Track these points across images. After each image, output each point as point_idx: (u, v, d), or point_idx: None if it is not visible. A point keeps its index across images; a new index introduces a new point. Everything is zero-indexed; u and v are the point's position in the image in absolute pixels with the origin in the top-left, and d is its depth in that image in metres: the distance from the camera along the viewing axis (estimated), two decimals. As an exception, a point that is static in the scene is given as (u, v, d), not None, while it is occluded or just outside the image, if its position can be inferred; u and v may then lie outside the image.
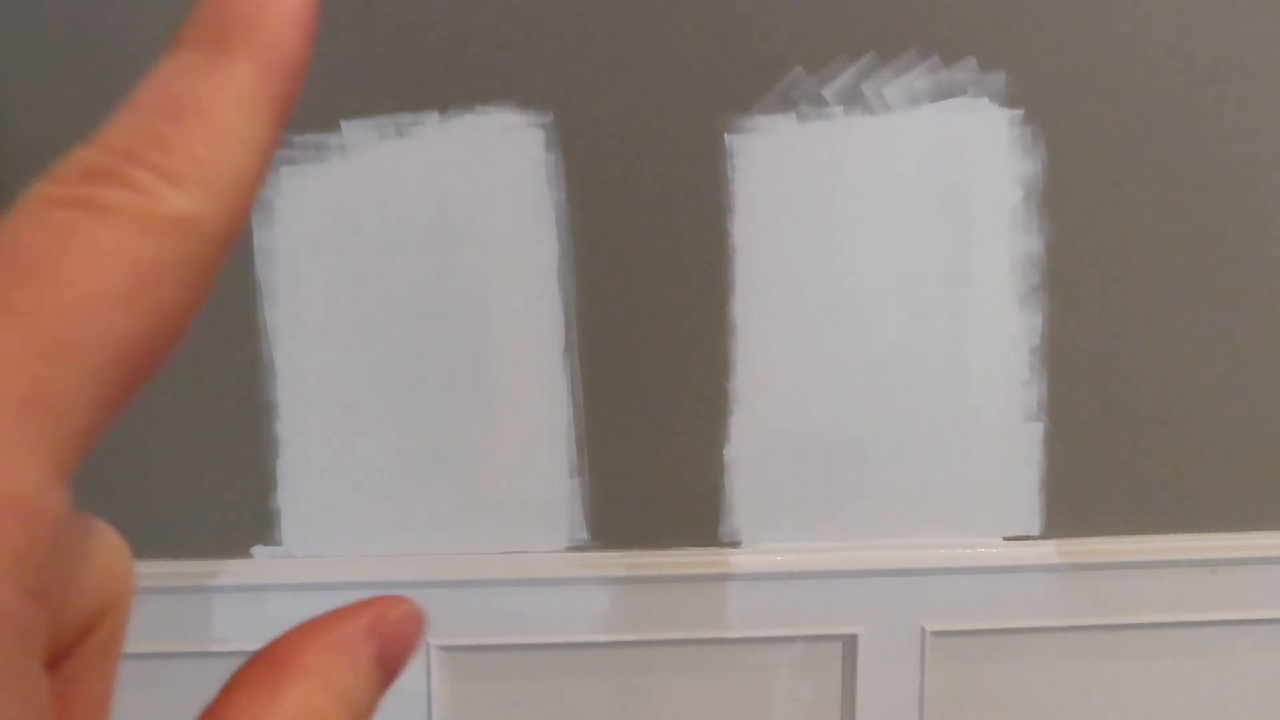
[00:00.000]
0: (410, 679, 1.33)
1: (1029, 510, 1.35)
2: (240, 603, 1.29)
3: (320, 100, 1.23)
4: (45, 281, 0.16)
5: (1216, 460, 1.36)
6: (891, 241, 1.30)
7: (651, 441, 1.31)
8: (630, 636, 1.33)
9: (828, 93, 1.27)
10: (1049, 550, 1.35)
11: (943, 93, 1.28)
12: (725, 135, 1.26)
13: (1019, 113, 1.28)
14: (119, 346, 0.16)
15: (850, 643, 1.36)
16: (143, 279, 0.16)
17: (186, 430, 1.27)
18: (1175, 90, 1.29)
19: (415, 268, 1.27)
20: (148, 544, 1.29)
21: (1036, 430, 1.34)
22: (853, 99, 1.27)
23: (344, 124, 1.24)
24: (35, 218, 0.17)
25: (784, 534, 1.34)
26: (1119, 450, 1.35)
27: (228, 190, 0.17)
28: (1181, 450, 1.35)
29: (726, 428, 1.31)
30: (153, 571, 1.29)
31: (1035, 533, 1.35)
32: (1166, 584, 1.37)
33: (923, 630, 1.36)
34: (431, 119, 1.24)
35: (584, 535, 1.32)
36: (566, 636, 1.33)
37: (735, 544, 1.33)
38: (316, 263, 1.26)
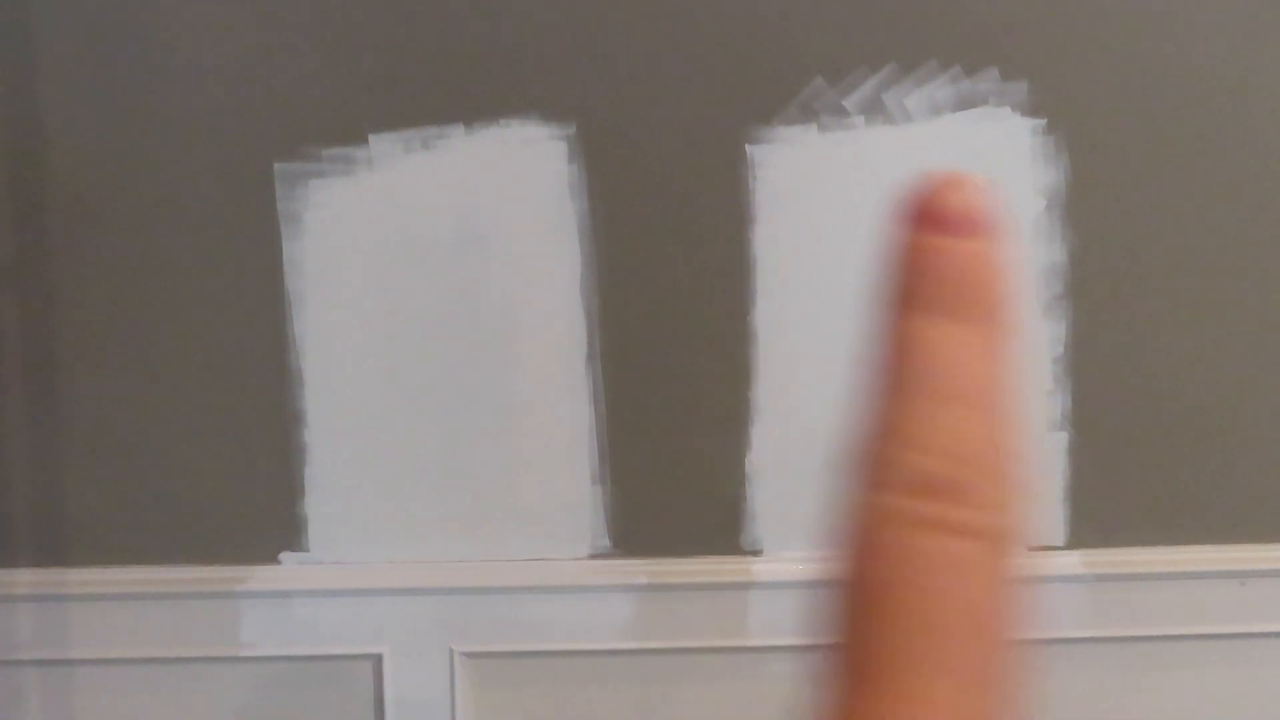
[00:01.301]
0: (433, 686, 1.34)
1: (1053, 521, 1.34)
2: (268, 608, 1.31)
3: (348, 114, 1.25)
4: (963, 633, 0.14)
5: (1246, 470, 1.34)
6: (913, 251, 1.30)
7: (673, 450, 1.31)
8: (652, 644, 1.34)
9: (849, 103, 1.27)
10: (1073, 561, 1.34)
11: (964, 103, 1.28)
12: (746, 146, 1.27)
13: (1041, 122, 1.28)
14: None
15: (873, 653, 1.35)
16: (1004, 599, 0.15)
17: (216, 438, 1.30)
18: (1199, 99, 1.28)
19: (440, 278, 1.28)
20: (177, 549, 1.31)
21: (1060, 440, 1.33)
22: (874, 109, 1.27)
23: (371, 138, 1.26)
24: (898, 544, 0.15)
25: (805, 543, 1.34)
26: (1145, 460, 1.34)
27: (1019, 493, 0.16)
28: (1210, 460, 1.34)
29: (748, 437, 1.31)
30: (182, 577, 1.31)
31: (1059, 543, 1.34)
32: (1195, 596, 1.35)
33: (946, 641, 1.35)
34: (456, 132, 1.26)
35: (606, 543, 1.33)
36: (589, 644, 1.34)
37: (757, 553, 1.33)
38: (344, 274, 1.28)
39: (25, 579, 1.30)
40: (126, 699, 1.35)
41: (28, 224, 1.27)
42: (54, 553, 1.31)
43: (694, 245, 1.29)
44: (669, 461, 1.31)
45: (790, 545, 1.33)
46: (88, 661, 1.33)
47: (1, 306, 1.28)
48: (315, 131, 1.25)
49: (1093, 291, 1.31)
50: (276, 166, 1.26)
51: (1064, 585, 1.35)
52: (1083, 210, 1.29)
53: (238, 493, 1.31)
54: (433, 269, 1.28)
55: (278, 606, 1.32)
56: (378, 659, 1.33)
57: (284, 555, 1.32)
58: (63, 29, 1.24)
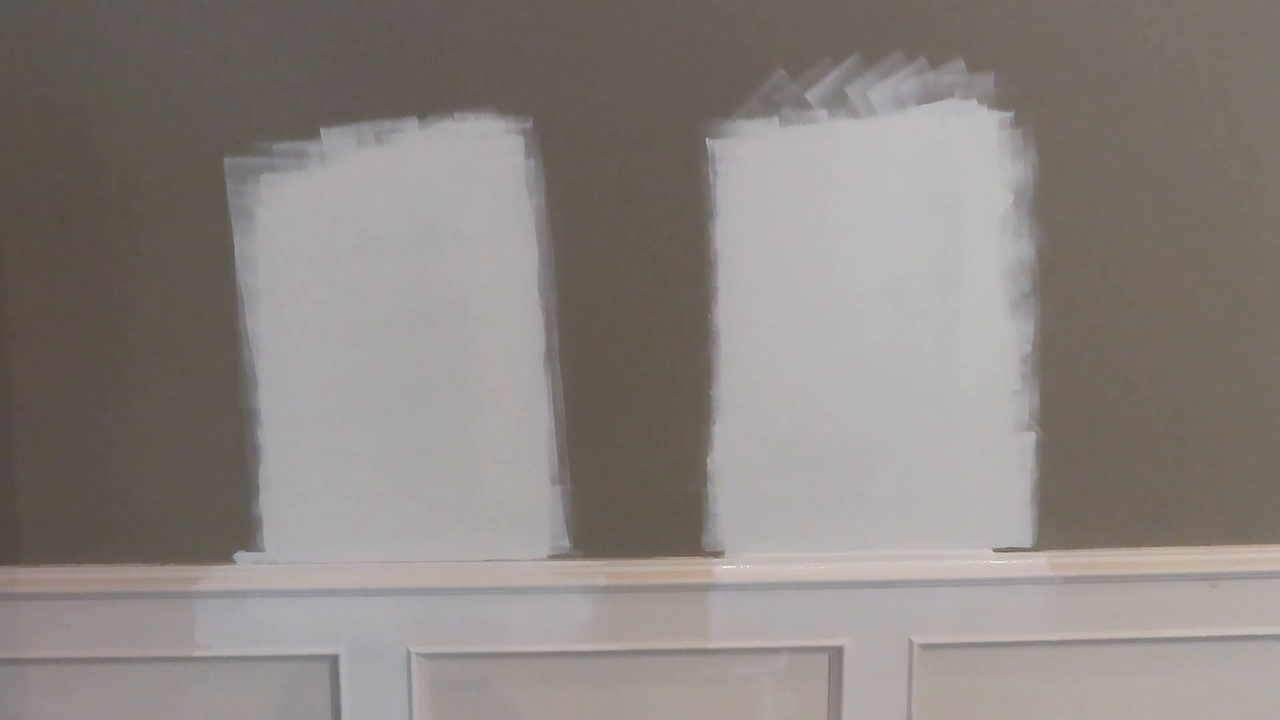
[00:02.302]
0: (391, 687, 1.33)
1: (1020, 522, 1.32)
2: (223, 608, 1.30)
3: (300, 108, 1.23)
4: None
5: (1217, 471, 1.32)
6: (878, 247, 1.27)
7: (633, 449, 1.29)
8: (612, 646, 1.32)
9: (811, 96, 1.25)
10: (1041, 563, 1.32)
11: (930, 95, 1.25)
12: (707, 140, 1.25)
13: (1009, 115, 1.25)
14: None
15: (836, 655, 1.33)
16: None
17: (169, 437, 1.28)
18: (1169, 91, 1.25)
19: (396, 274, 1.26)
20: (131, 549, 1.30)
21: (1028, 440, 1.31)
22: (837, 102, 1.25)
23: (324, 131, 1.24)
24: None
25: (768, 544, 1.32)
26: (1114, 461, 1.31)
27: None
28: (1180, 461, 1.31)
29: (710, 436, 1.29)
30: (136, 576, 1.29)
31: (1027, 545, 1.32)
32: (1165, 598, 1.33)
33: (910, 643, 1.33)
34: (410, 125, 1.24)
35: (566, 544, 1.31)
36: (548, 645, 1.32)
37: (719, 554, 1.31)
38: (297, 270, 1.26)
39: (-23, 579, 1.29)
40: (79, 698, 1.33)
41: (-24, 219, 1.25)
42: (5, 552, 1.30)
43: (654, 241, 1.26)
44: (629, 461, 1.29)
45: (752, 546, 1.31)
46: (40, 661, 1.32)
47: (-50, 303, 1.26)
48: (266, 125, 1.23)
49: (1061, 289, 1.28)
50: (226, 161, 1.24)
51: (1031, 587, 1.33)
52: (1051, 205, 1.27)
53: (192, 492, 1.29)
54: (387, 265, 1.26)
55: (233, 607, 1.30)
56: (334, 660, 1.32)
57: (239, 555, 1.30)
58: (10, 24, 1.21)
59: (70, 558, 1.30)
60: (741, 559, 1.31)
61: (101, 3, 1.21)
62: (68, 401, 1.28)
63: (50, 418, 1.28)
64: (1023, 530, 1.32)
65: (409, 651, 1.32)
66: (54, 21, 1.22)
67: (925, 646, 1.33)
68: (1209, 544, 1.33)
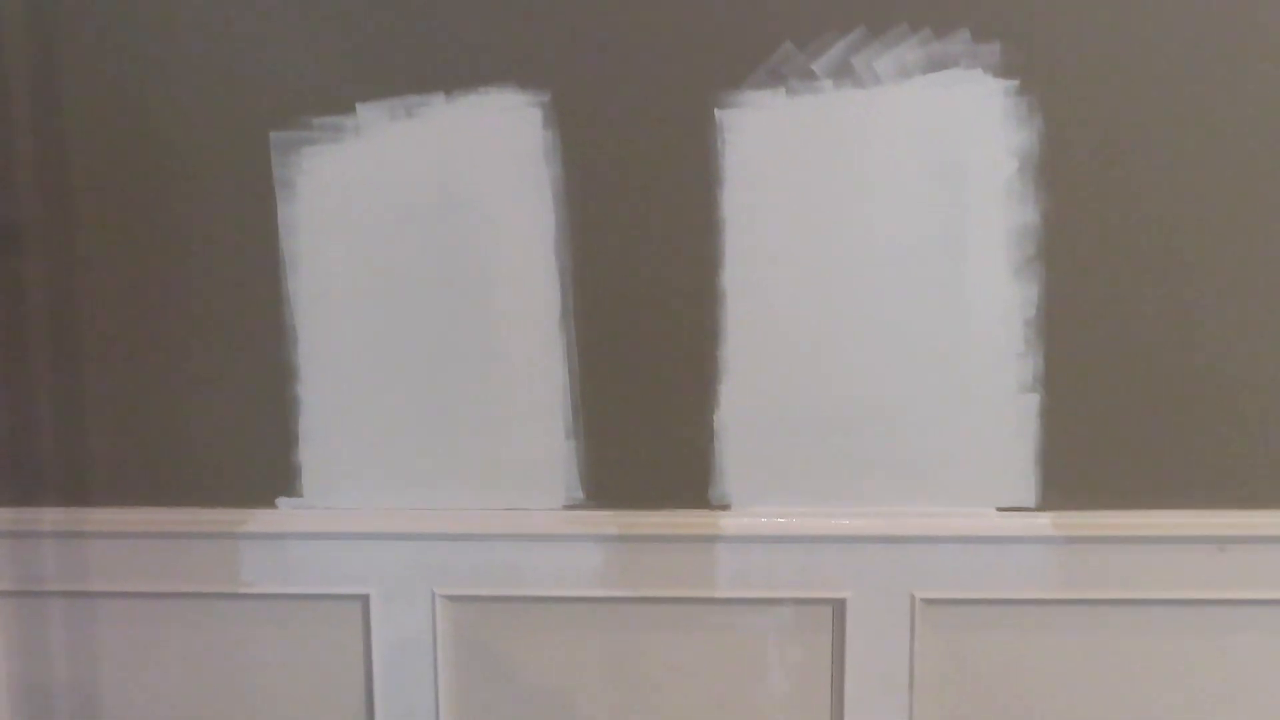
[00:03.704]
0: (417, 625, 1.42)
1: (1024, 482, 1.35)
2: (265, 549, 1.41)
3: (337, 85, 1.32)
4: None
5: (1224, 435, 1.32)
6: (884, 214, 1.31)
7: (644, 406, 1.36)
8: (622, 593, 1.39)
9: (818, 67, 1.29)
10: (1044, 523, 1.35)
11: (935, 65, 1.28)
12: (716, 110, 1.30)
13: (1014, 83, 1.28)
14: None
15: (839, 607, 1.38)
16: None
17: (219, 391, 1.39)
18: (1174, 59, 1.26)
19: (423, 240, 1.35)
20: (182, 493, 1.41)
21: (1032, 402, 1.33)
22: (843, 73, 1.29)
23: (359, 106, 1.33)
24: None
25: (773, 499, 1.37)
26: (1118, 423, 1.33)
27: None
28: (1186, 423, 1.32)
29: (717, 394, 1.35)
30: (186, 519, 1.41)
31: (1031, 504, 1.35)
32: (1170, 561, 1.35)
33: (913, 598, 1.37)
34: (438, 100, 1.32)
35: (579, 495, 1.38)
36: (561, 590, 1.39)
37: (725, 507, 1.37)
38: (334, 236, 1.36)
39: (50, 517, 1.42)
40: (138, 629, 1.46)
41: (49, 194, 1.37)
42: (76, 494, 1.42)
43: (665, 208, 1.32)
44: (640, 417, 1.36)
45: (759, 500, 1.37)
46: (105, 595, 1.44)
47: (25, 269, 1.39)
48: (307, 102, 1.33)
49: (1065, 254, 1.30)
50: (271, 135, 1.34)
51: (1034, 547, 1.35)
52: (1055, 172, 1.29)
53: (238, 441, 1.40)
54: (416, 231, 1.35)
55: (275, 547, 1.41)
56: (365, 599, 1.41)
57: (280, 500, 1.41)
58: (74, 15, 1.33)
59: (131, 500, 1.42)
60: (747, 512, 1.37)
61: (157, -11, 1.33)
62: (130, 358, 1.40)
63: (114, 374, 1.40)
64: (1026, 490, 1.35)
65: (433, 593, 1.41)
66: (112, 10, 1.33)
67: (927, 601, 1.37)
68: (1216, 508, 1.34)
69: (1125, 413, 1.33)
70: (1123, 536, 1.34)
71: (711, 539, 1.37)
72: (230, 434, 1.40)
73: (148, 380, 1.40)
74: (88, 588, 1.44)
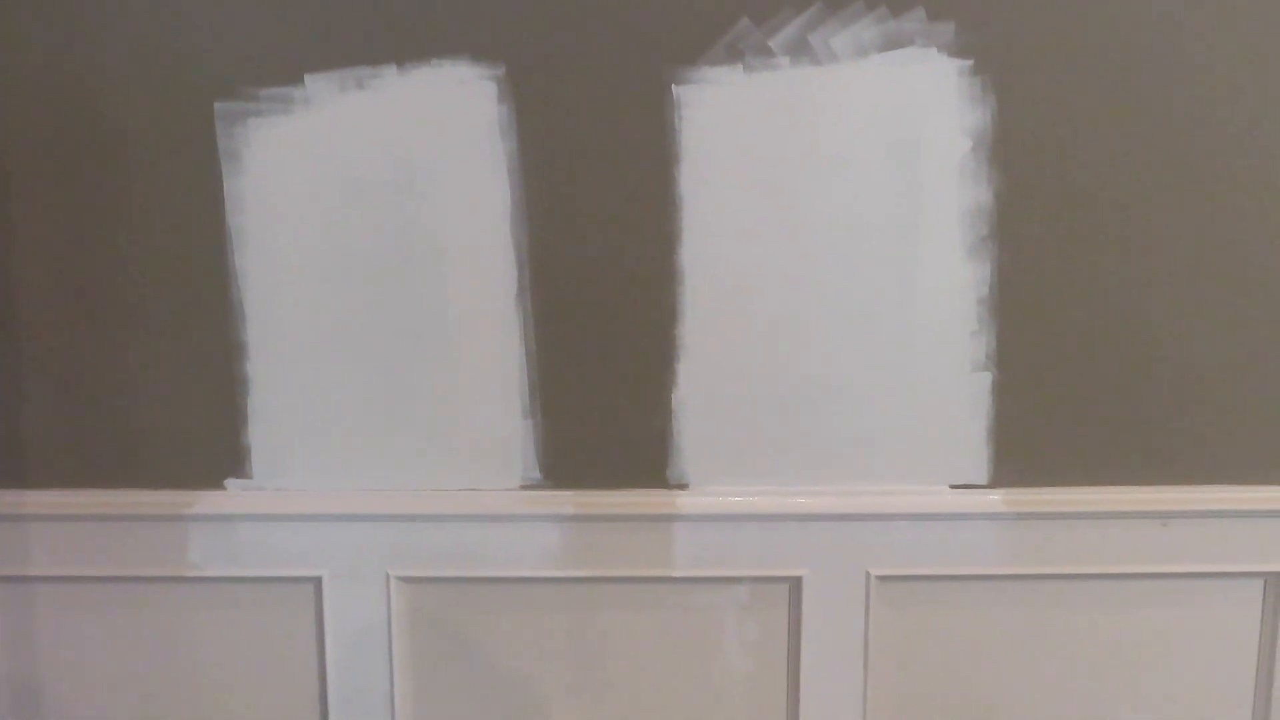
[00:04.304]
0: (371, 608, 1.40)
1: (976, 459, 1.37)
2: (214, 531, 1.38)
3: (284, 54, 1.29)
4: None
5: (1169, 411, 1.35)
6: (839, 192, 1.31)
7: (601, 385, 1.35)
8: (580, 573, 1.38)
9: (774, 43, 1.29)
10: (995, 499, 1.37)
11: (891, 43, 1.29)
12: (673, 86, 1.29)
13: (968, 63, 1.29)
14: None
15: (796, 585, 1.39)
16: None
17: (164, 369, 1.35)
18: (1129, 39, 1.28)
19: (376, 214, 1.32)
20: (129, 475, 1.38)
21: (985, 380, 1.35)
22: (800, 50, 1.29)
23: (308, 77, 1.30)
24: None
25: (731, 478, 1.37)
26: (1069, 401, 1.35)
27: None
28: (1133, 402, 1.35)
29: (675, 373, 1.35)
30: (133, 500, 1.37)
31: (982, 481, 1.37)
32: (1117, 536, 1.37)
33: (868, 574, 1.38)
34: (390, 72, 1.30)
35: (536, 474, 1.37)
36: (519, 571, 1.38)
37: (683, 486, 1.37)
38: (284, 210, 1.33)
39: (-13, 500, 1.38)
40: (81, 614, 1.42)
41: (-17, 161, 1.32)
42: (12, 475, 1.38)
43: (621, 184, 1.31)
44: (597, 396, 1.35)
45: (716, 480, 1.37)
46: (45, 579, 1.40)
47: (-42, 240, 1.34)
48: (253, 71, 1.29)
49: (1018, 233, 1.32)
50: (216, 105, 1.30)
51: (986, 523, 1.37)
52: (1009, 151, 1.30)
53: (185, 420, 1.36)
54: (368, 205, 1.32)
55: (223, 530, 1.38)
56: (318, 581, 1.39)
57: (229, 481, 1.38)
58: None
59: (72, 482, 1.38)
60: (705, 491, 1.37)
61: (96, -47, 1.28)
62: (70, 336, 1.35)
63: (53, 351, 1.36)
64: (978, 467, 1.37)
65: (388, 575, 1.39)
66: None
67: (882, 578, 1.39)
68: (1161, 484, 1.36)
69: (1075, 391, 1.35)
70: (1071, 513, 1.36)
71: (669, 518, 1.37)
72: (177, 414, 1.36)
73: (89, 358, 1.36)
74: (26, 572, 1.40)
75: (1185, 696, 1.42)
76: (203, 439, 1.37)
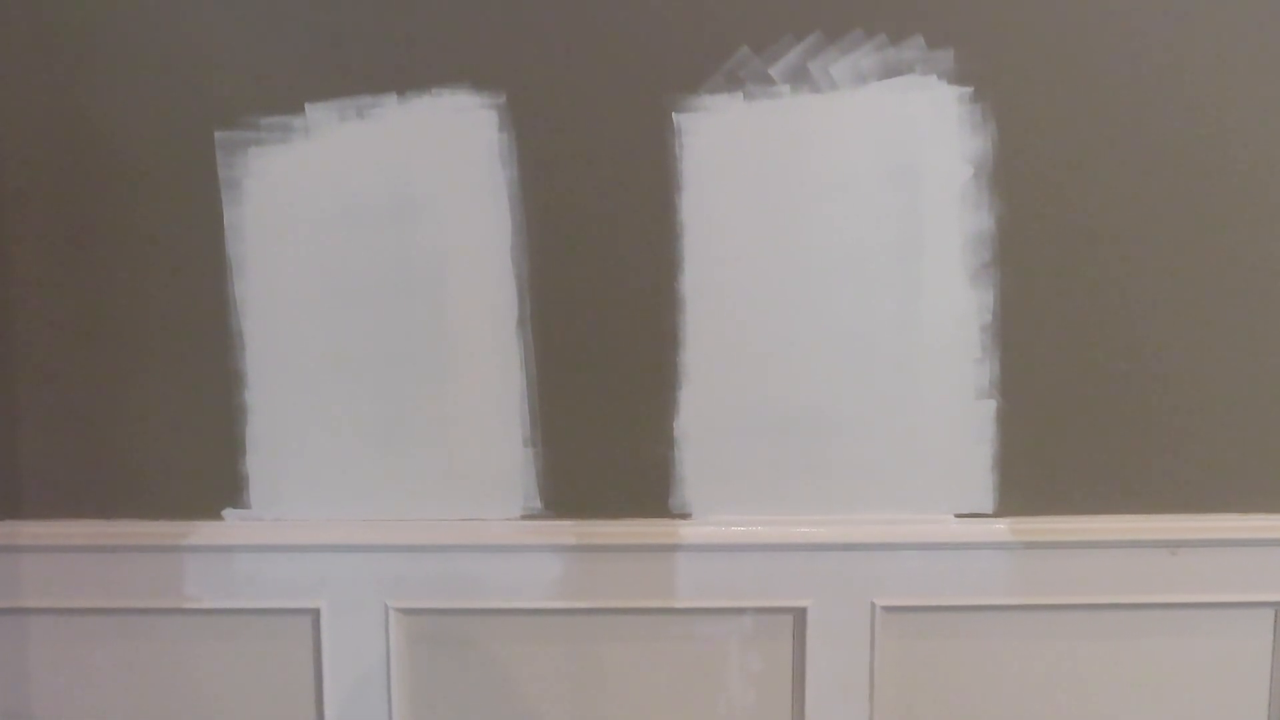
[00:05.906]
0: (369, 640, 1.38)
1: (982, 488, 1.35)
2: (211, 562, 1.36)
3: (284, 83, 1.29)
4: None
5: (1177, 439, 1.34)
6: (841, 219, 1.31)
7: (603, 413, 1.34)
8: (581, 604, 1.37)
9: (774, 71, 1.29)
10: (1001, 528, 1.35)
11: (891, 70, 1.29)
12: (674, 114, 1.29)
13: (968, 90, 1.29)
14: None
15: (800, 616, 1.37)
16: None
17: (162, 398, 1.35)
18: (1128, 64, 1.28)
19: (376, 243, 1.32)
20: (125, 505, 1.36)
21: (989, 408, 1.34)
22: (800, 77, 1.29)
23: (308, 106, 1.30)
24: None
25: (734, 507, 1.36)
26: (1075, 429, 1.34)
27: None
28: (1140, 430, 1.34)
29: (677, 401, 1.34)
30: (129, 530, 1.36)
31: (988, 510, 1.35)
32: (1125, 565, 1.36)
33: (873, 605, 1.36)
34: (390, 101, 1.30)
35: (537, 504, 1.36)
36: (519, 602, 1.37)
37: (685, 516, 1.36)
38: (283, 239, 1.32)
39: (-18, 531, 1.36)
40: (75, 647, 1.40)
41: (-17, 191, 1.32)
42: (7, 506, 1.37)
43: (623, 212, 1.31)
44: (599, 425, 1.34)
45: (719, 509, 1.35)
46: (39, 611, 1.38)
47: (-43, 269, 1.33)
48: (254, 101, 1.29)
49: (1021, 259, 1.31)
50: (217, 135, 1.30)
51: (992, 553, 1.35)
52: (1010, 178, 1.30)
53: (183, 450, 1.35)
54: (368, 234, 1.32)
55: (220, 561, 1.36)
56: (316, 613, 1.37)
57: (226, 511, 1.36)
58: (6, 9, 1.29)
59: (68, 512, 1.37)
60: (708, 521, 1.35)
61: (98, -16, 1.28)
62: (67, 365, 1.34)
63: (50, 381, 1.35)
64: (984, 496, 1.35)
65: (386, 606, 1.37)
66: (53, 5, 1.29)
67: (887, 609, 1.37)
68: (1169, 512, 1.35)
69: (1080, 418, 1.34)
70: (1078, 541, 1.35)
71: (671, 548, 1.35)
72: (174, 443, 1.35)
73: (87, 387, 1.35)
74: (21, 604, 1.38)
75: (1197, 729, 1.40)
76: (200, 468, 1.35)
